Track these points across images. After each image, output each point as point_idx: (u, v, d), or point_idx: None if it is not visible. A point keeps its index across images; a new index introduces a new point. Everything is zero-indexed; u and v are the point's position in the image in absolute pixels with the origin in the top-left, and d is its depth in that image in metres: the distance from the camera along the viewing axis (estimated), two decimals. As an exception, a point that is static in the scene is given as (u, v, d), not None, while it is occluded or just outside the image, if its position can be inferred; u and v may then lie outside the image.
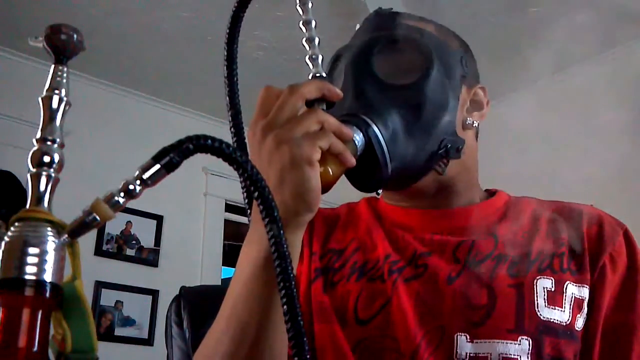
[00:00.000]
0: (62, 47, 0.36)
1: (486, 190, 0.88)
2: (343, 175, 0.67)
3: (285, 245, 0.39)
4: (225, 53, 0.63)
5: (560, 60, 2.87)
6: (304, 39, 0.61)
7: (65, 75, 0.36)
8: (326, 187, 0.59)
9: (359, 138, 0.65)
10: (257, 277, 0.60)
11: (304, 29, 0.61)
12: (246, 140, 0.64)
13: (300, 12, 0.61)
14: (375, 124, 0.68)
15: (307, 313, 0.76)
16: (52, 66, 0.36)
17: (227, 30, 0.62)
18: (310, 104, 0.60)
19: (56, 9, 2.50)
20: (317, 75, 0.61)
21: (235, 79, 0.64)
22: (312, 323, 0.75)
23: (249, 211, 0.64)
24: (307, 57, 0.62)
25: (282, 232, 0.39)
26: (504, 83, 3.00)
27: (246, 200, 0.64)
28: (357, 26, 0.83)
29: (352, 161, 0.61)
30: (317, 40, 0.61)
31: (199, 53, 2.80)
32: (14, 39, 2.70)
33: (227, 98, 0.64)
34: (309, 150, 0.56)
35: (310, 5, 0.61)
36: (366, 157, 0.67)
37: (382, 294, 0.74)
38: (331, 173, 0.59)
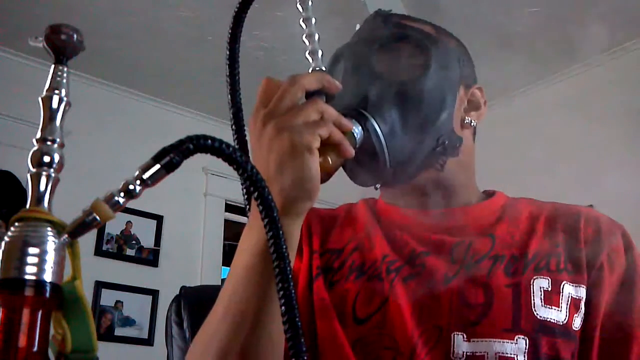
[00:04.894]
0: (62, 47, 0.36)
1: (485, 191, 0.88)
2: (343, 174, 0.67)
3: (284, 247, 0.39)
4: (227, 52, 0.64)
5: (560, 61, 2.87)
6: (304, 35, 0.62)
7: (65, 75, 0.36)
8: (325, 176, 0.60)
9: (357, 131, 0.66)
10: (255, 266, 0.60)
11: (304, 26, 0.62)
12: (247, 138, 0.64)
13: (301, 10, 0.62)
14: (374, 118, 0.69)
15: (308, 310, 0.76)
16: (52, 66, 0.36)
17: (230, 30, 0.63)
18: (310, 95, 0.61)
19: (56, 9, 2.50)
20: (317, 68, 0.62)
21: (237, 77, 0.65)
22: (313, 320, 0.75)
23: (248, 208, 0.64)
24: (307, 52, 0.63)
25: (281, 232, 0.39)
26: (504, 84, 3.00)
27: (245, 198, 0.64)
28: (357, 26, 0.84)
29: (351, 151, 0.62)
30: (316, 36, 0.62)
31: (199, 53, 2.80)
32: (14, 39, 2.70)
33: (229, 96, 0.65)
34: (309, 137, 0.56)
35: (310, 3, 0.62)
36: (364, 150, 0.68)
37: (380, 294, 0.74)
38: (330, 162, 0.60)
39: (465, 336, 0.70)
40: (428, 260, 0.76)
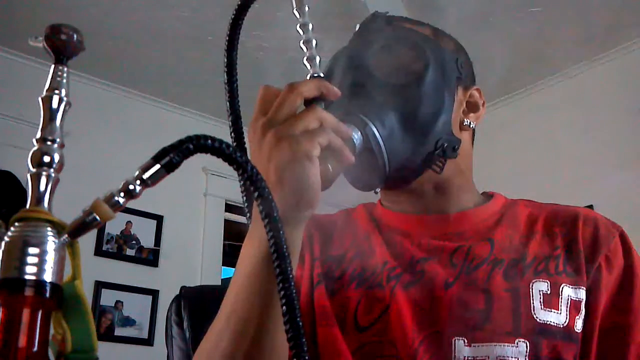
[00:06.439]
0: (62, 47, 0.36)
1: (483, 193, 0.88)
2: (343, 178, 0.67)
3: (285, 247, 0.39)
4: (225, 60, 0.64)
5: (560, 61, 2.87)
6: (301, 41, 0.62)
7: (65, 75, 0.36)
8: (326, 183, 0.60)
9: (357, 136, 0.66)
10: (257, 274, 0.60)
11: (301, 32, 0.62)
12: (246, 145, 0.64)
13: (298, 16, 0.62)
14: (373, 123, 0.69)
15: (309, 316, 0.76)
16: (52, 66, 0.36)
17: (227, 37, 0.63)
18: (309, 102, 0.61)
19: (56, 9, 2.50)
20: (315, 75, 0.62)
21: (235, 85, 0.65)
22: (314, 327, 0.75)
23: (247, 212, 0.64)
24: (304, 58, 0.63)
25: (282, 232, 0.39)
26: (504, 84, 3.00)
27: (245, 201, 0.64)
28: (357, 27, 0.84)
29: (351, 158, 0.62)
30: (314, 42, 0.62)
31: (199, 53, 2.80)
32: (14, 39, 2.70)
33: (228, 104, 0.64)
34: (308, 146, 0.56)
35: (306, 9, 0.62)
36: (364, 155, 0.67)
37: (381, 301, 0.74)
38: (331, 169, 0.60)
39: (466, 341, 0.70)
40: (428, 266, 0.76)
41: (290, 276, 0.39)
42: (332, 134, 0.59)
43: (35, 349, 0.31)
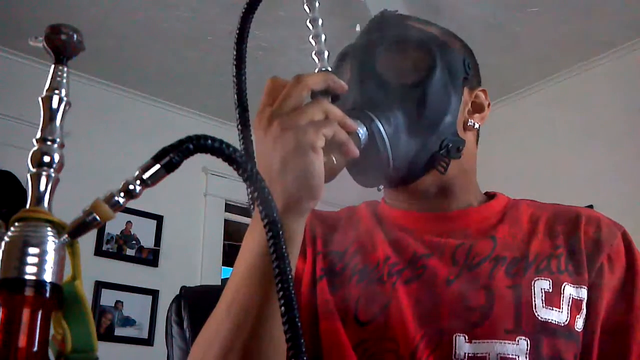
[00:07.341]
0: (62, 47, 0.36)
1: (486, 193, 0.88)
2: (346, 175, 0.68)
3: (284, 248, 0.39)
4: (235, 52, 0.64)
5: (560, 61, 2.87)
6: (310, 36, 0.63)
7: (65, 75, 0.36)
8: (329, 175, 0.60)
9: (362, 131, 0.66)
10: (257, 265, 0.60)
11: (310, 27, 0.63)
12: (252, 137, 0.65)
13: (308, 11, 0.63)
14: (379, 120, 0.69)
15: (312, 311, 0.76)
16: (52, 66, 0.36)
17: (237, 31, 0.63)
18: (315, 95, 0.61)
19: (56, 9, 2.50)
20: (323, 69, 0.63)
21: (243, 77, 0.65)
22: (317, 321, 0.75)
23: (252, 208, 0.64)
24: (313, 52, 0.63)
25: (281, 232, 0.39)
26: (504, 83, 3.00)
27: (249, 193, 0.64)
28: (357, 27, 0.84)
29: (356, 152, 0.62)
30: (323, 36, 0.63)
31: (199, 53, 2.80)
32: (14, 39, 2.70)
33: (235, 96, 0.65)
34: (313, 136, 0.57)
35: (317, 4, 0.63)
36: (368, 151, 0.68)
37: (382, 296, 0.74)
38: (335, 162, 0.61)
39: (466, 337, 0.70)
40: (430, 262, 0.76)
41: (290, 277, 0.39)
42: (338, 126, 0.60)
43: (35, 349, 0.31)
